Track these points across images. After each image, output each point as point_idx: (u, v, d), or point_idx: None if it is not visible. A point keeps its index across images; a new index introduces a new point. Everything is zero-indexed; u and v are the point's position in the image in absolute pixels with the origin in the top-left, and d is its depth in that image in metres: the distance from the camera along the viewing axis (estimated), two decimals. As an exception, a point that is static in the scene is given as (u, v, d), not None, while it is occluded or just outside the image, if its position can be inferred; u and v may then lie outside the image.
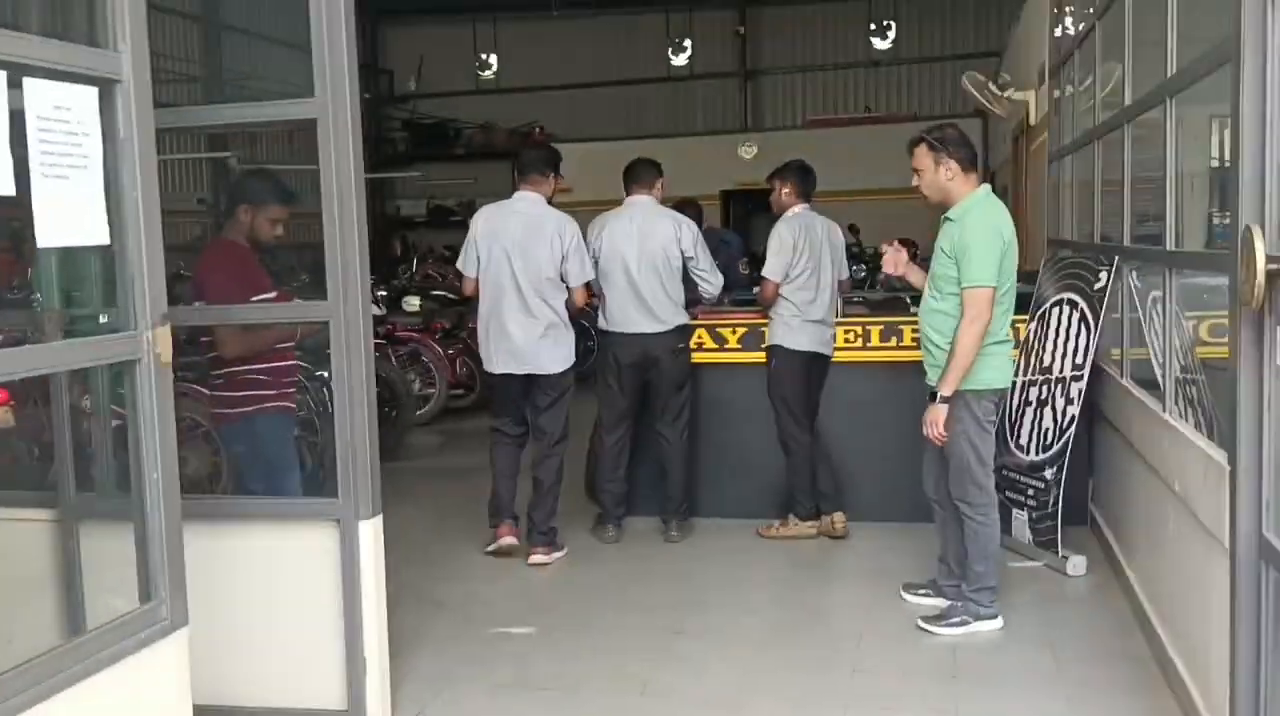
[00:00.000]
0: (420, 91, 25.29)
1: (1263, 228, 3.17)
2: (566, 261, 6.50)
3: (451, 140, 25.24)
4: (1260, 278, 3.13)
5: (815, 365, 6.87)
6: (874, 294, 8.00)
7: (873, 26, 21.99)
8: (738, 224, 19.48)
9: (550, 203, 6.75)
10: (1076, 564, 5.99)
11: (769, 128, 22.70)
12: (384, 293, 12.85)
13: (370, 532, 4.21)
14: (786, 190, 6.93)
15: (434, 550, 6.91)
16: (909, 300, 7.53)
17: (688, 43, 23.00)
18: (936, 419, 5.03)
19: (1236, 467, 3.43)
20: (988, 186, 5.22)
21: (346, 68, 4.05)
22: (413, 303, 12.28)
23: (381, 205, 25.67)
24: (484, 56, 23.72)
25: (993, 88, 11.20)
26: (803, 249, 6.73)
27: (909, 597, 5.65)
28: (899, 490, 6.94)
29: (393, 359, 10.12)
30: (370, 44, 25.44)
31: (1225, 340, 5.67)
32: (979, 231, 4.99)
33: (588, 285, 6.69)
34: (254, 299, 4.91)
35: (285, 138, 14.04)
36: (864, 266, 15.86)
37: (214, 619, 4.08)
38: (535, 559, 6.58)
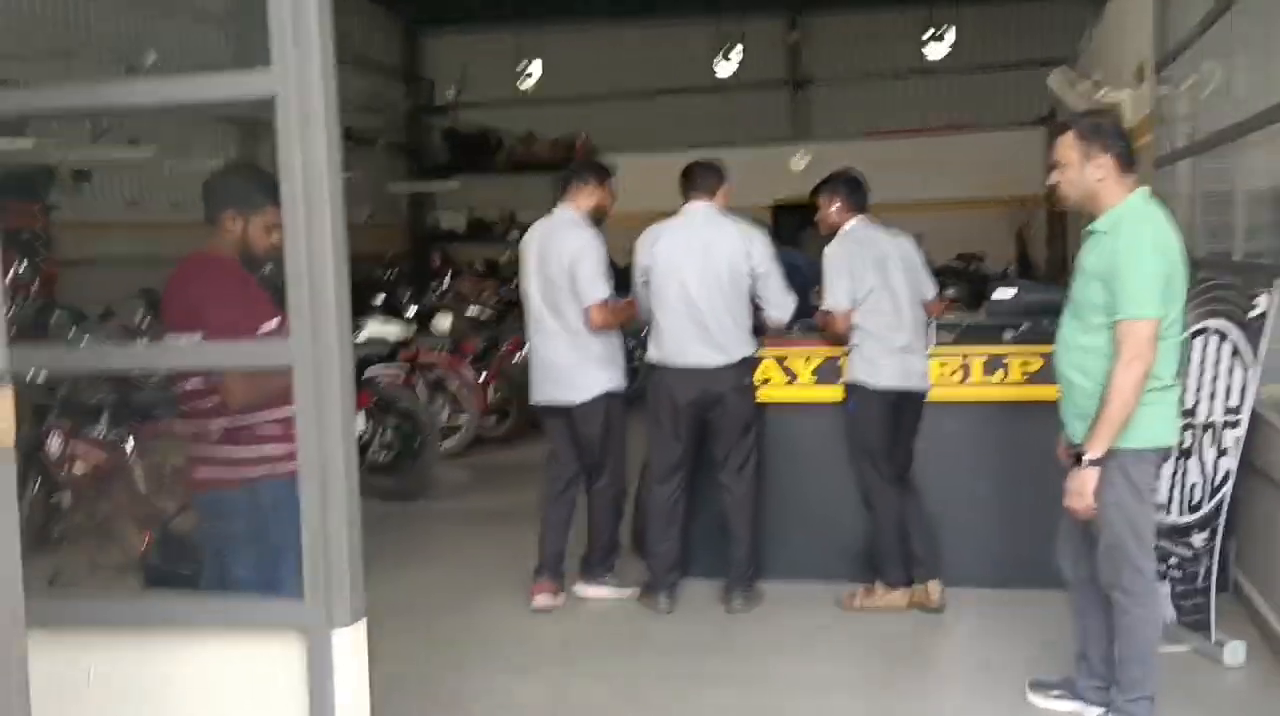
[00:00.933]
0: (461, 101, 24.43)
1: None
2: (574, 275, 5.79)
3: (493, 151, 24.42)
4: None
5: (905, 404, 5.78)
6: (975, 319, 6.74)
7: (929, 34, 20.93)
8: (787, 240, 18.55)
9: (599, 214, 6.04)
10: (1235, 650, 4.86)
11: (819, 138, 21.67)
12: (414, 310, 11.95)
13: (349, 645, 3.16)
14: (836, 206, 5.91)
15: (454, 624, 5.87)
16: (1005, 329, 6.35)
17: (736, 51, 21.98)
18: (1084, 487, 3.91)
19: None
20: (1146, 190, 4.09)
21: (317, 27, 3.02)
22: (443, 323, 11.30)
23: (421, 218, 24.92)
24: (526, 65, 22.80)
25: (1083, 88, 10.08)
26: (864, 267, 5.69)
27: (1039, 701, 4.51)
28: (1001, 550, 5.97)
29: (417, 387, 9.09)
30: (410, 52, 24.74)
31: None
32: (1138, 248, 3.87)
33: (624, 304, 6.01)
34: (262, 330, 3.86)
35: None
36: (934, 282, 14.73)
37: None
38: (577, 588, 6.15)
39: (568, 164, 21.21)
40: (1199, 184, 7.36)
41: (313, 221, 3.04)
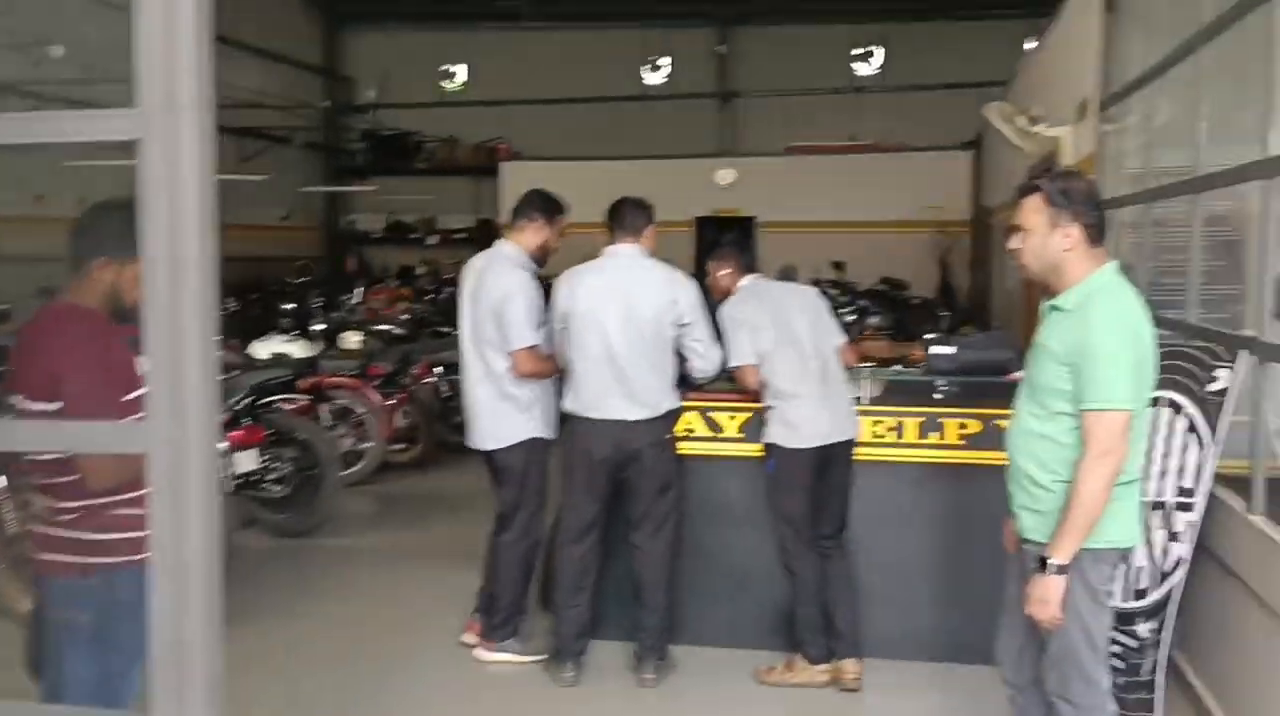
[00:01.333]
0: (382, 101, 23.90)
1: None
2: (501, 319, 5.45)
3: (413, 153, 23.96)
4: None
5: (832, 457, 5.36)
6: (909, 374, 6.32)
7: (858, 51, 20.80)
8: (710, 253, 18.29)
9: (544, 253, 5.71)
10: (1181, 753, 4.57)
11: (747, 152, 21.47)
12: (322, 326, 11.44)
13: (205, 776, 2.70)
14: (725, 272, 5.64)
15: (333, 685, 5.42)
16: (938, 384, 5.96)
17: (665, 61, 21.71)
18: (1050, 595, 3.53)
19: None
20: (1115, 265, 3.73)
21: (194, 64, 2.56)
22: (351, 340, 10.83)
23: (338, 219, 24.36)
24: (450, 67, 22.34)
25: (1021, 120, 9.83)
26: (762, 320, 5.37)
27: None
28: (924, 622, 5.68)
29: (318, 415, 8.59)
30: (330, 50, 24.17)
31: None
32: (1110, 331, 3.50)
33: (547, 355, 5.59)
34: (125, 398, 3.33)
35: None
36: (854, 309, 14.38)
37: None
38: (477, 652, 5.76)
39: (489, 169, 20.93)
40: (1149, 231, 7.03)
41: (177, 288, 2.58)
